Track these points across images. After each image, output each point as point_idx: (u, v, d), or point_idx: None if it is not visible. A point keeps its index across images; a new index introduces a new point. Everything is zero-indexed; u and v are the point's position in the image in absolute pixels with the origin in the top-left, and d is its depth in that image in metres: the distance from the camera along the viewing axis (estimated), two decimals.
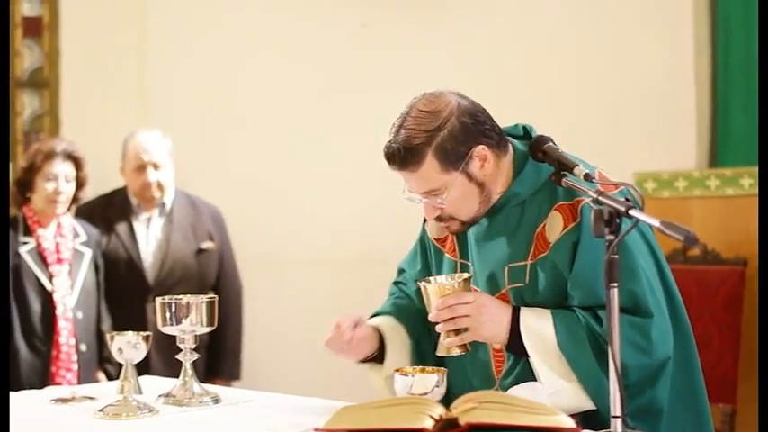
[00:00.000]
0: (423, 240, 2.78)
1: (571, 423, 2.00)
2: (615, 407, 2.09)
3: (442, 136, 2.42)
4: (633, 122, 4.77)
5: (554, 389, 2.40)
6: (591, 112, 4.80)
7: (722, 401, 4.27)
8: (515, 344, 2.44)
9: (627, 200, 2.16)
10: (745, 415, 4.33)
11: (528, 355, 2.43)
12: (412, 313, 2.74)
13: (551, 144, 2.47)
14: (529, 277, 2.49)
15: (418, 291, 2.65)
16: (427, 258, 2.76)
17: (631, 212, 2.12)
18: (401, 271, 2.89)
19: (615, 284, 2.09)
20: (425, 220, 2.74)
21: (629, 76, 4.83)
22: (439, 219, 2.54)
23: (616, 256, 2.09)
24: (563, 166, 2.41)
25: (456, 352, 2.48)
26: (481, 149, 2.45)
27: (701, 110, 4.76)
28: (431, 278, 2.54)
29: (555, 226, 2.45)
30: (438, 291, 2.47)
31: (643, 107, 4.79)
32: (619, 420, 2.09)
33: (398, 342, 2.69)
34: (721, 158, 4.76)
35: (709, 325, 4.34)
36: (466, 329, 2.43)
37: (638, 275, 2.40)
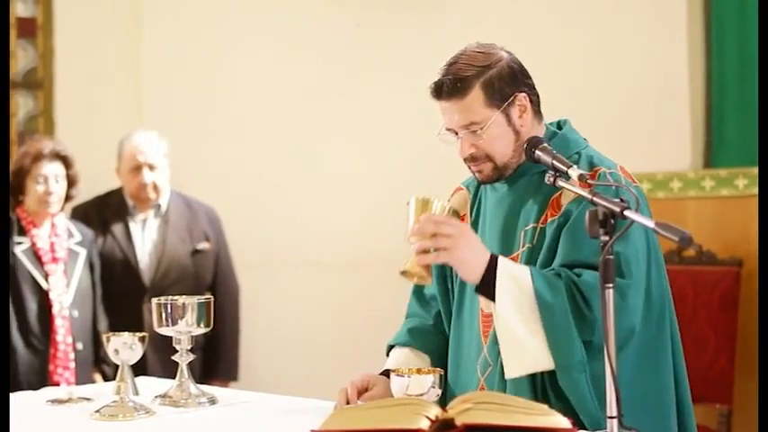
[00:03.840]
0: None
1: (567, 423, 2.01)
2: (611, 407, 2.09)
3: (491, 73, 2.53)
4: (628, 123, 4.78)
5: (513, 345, 2.39)
6: (585, 112, 4.76)
7: (718, 402, 4.28)
8: (487, 283, 2.41)
9: (622, 200, 2.16)
10: (742, 415, 4.33)
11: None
12: (428, 333, 2.77)
13: (546, 145, 2.49)
14: (537, 239, 2.52)
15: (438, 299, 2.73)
16: None
17: (626, 213, 2.12)
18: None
19: (610, 285, 2.09)
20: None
21: (624, 77, 4.84)
22: (473, 159, 2.57)
23: (611, 257, 2.09)
24: (558, 166, 2.42)
25: (415, 276, 2.45)
26: (523, 97, 2.55)
27: (695, 111, 4.77)
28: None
29: (570, 193, 2.45)
30: (425, 207, 2.46)
31: (638, 108, 4.79)
32: (615, 421, 2.09)
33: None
34: (716, 159, 4.77)
35: (704, 325, 4.35)
36: (442, 250, 2.40)
37: (629, 241, 2.39)
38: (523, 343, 2.38)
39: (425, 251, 2.40)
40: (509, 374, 2.43)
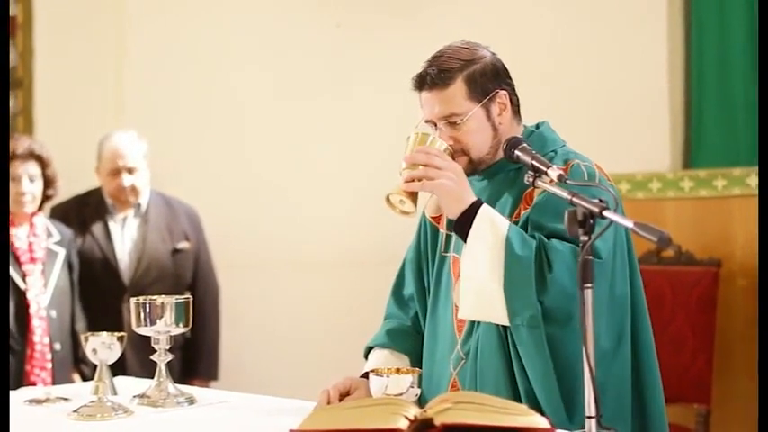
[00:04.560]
0: (419, 228, 2.84)
1: (545, 423, 2.01)
2: (589, 407, 2.10)
3: (474, 68, 2.59)
4: (607, 124, 4.79)
5: (473, 286, 2.45)
6: (564, 113, 4.80)
7: (696, 402, 4.30)
8: (465, 222, 2.47)
9: (601, 200, 2.17)
10: (720, 415, 4.35)
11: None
12: (407, 334, 2.80)
13: (525, 145, 2.52)
14: None
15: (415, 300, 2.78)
16: (421, 240, 2.81)
17: (605, 213, 2.13)
18: (400, 278, 2.89)
19: (589, 285, 2.10)
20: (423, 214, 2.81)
21: (603, 77, 4.85)
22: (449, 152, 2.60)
23: (590, 257, 2.10)
24: (537, 166, 2.43)
25: (398, 204, 2.51)
26: (504, 95, 2.62)
27: (674, 112, 4.78)
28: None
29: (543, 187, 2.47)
30: (423, 141, 2.54)
31: (617, 109, 4.81)
32: (593, 421, 2.10)
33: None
34: (695, 160, 4.78)
35: (683, 326, 4.37)
36: (429, 180, 2.47)
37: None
38: (483, 286, 2.44)
39: (414, 181, 2.48)
40: (462, 314, 2.51)
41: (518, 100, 2.67)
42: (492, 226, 2.45)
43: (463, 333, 2.59)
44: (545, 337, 2.40)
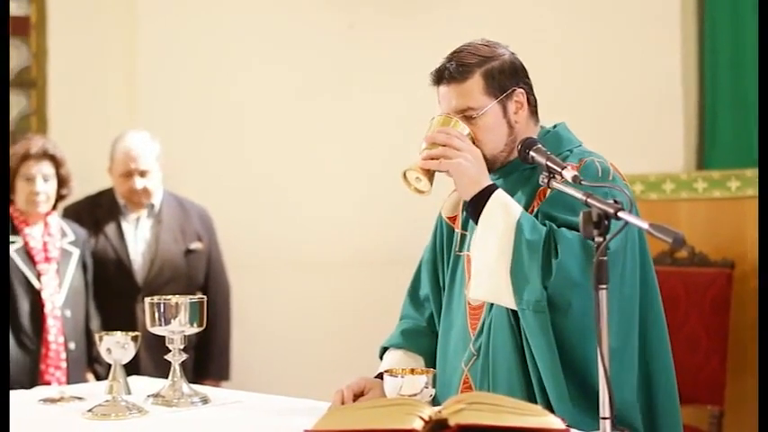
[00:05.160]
0: (435, 229, 2.85)
1: (560, 424, 2.01)
2: (604, 408, 2.09)
3: (493, 64, 2.61)
4: (621, 125, 4.78)
5: (482, 267, 2.47)
6: (577, 114, 4.78)
7: (710, 403, 4.29)
8: (477, 203, 2.49)
9: (616, 201, 2.17)
10: (733, 416, 4.34)
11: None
12: (422, 334, 2.81)
13: (540, 146, 2.51)
14: None
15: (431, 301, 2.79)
16: (437, 241, 2.82)
17: (620, 214, 2.12)
18: (416, 279, 2.90)
19: (604, 286, 2.10)
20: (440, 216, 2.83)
21: (617, 78, 4.84)
22: None
23: (605, 258, 2.10)
24: (552, 167, 2.42)
25: (413, 182, 2.54)
26: (521, 93, 2.63)
27: (688, 112, 4.77)
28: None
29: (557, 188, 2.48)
30: (445, 123, 2.57)
31: (631, 109, 4.80)
32: (608, 422, 2.09)
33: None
34: (708, 161, 4.77)
35: (696, 327, 4.36)
36: (447, 159, 2.50)
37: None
38: (491, 268, 2.45)
39: (432, 159, 2.51)
40: (471, 294, 2.54)
41: (536, 100, 2.68)
42: (505, 210, 2.47)
43: (476, 330, 2.59)
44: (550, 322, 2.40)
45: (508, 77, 2.61)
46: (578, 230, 2.18)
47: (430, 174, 2.54)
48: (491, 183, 2.52)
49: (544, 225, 2.46)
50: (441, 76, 2.62)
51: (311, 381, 4.36)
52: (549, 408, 2.37)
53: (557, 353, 2.40)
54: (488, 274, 2.46)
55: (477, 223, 2.51)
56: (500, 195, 2.50)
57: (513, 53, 2.67)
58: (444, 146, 2.51)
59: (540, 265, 2.39)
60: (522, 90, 2.63)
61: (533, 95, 2.67)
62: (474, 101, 2.59)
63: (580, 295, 2.38)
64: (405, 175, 2.56)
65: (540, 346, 2.42)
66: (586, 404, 2.37)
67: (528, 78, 2.67)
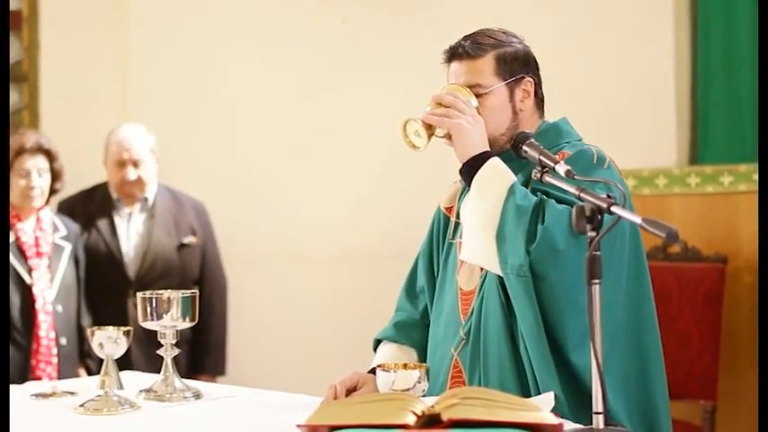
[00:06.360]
0: (432, 222, 2.86)
1: (554, 419, 2.01)
2: (597, 403, 2.09)
3: (506, 49, 2.65)
4: (613, 120, 4.78)
5: (471, 229, 2.49)
6: (571, 109, 4.78)
7: (702, 398, 4.29)
8: (472, 166, 2.51)
9: (609, 196, 2.17)
10: (726, 411, 4.35)
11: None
12: (415, 326, 2.82)
13: (533, 140, 2.51)
14: None
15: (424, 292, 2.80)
16: (433, 232, 2.83)
17: (613, 209, 2.12)
18: (413, 272, 2.90)
19: (597, 281, 2.10)
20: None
21: (610, 73, 4.84)
22: None
23: (598, 253, 2.09)
24: (545, 162, 2.42)
25: (410, 136, 2.57)
26: (529, 83, 2.66)
27: (681, 107, 4.77)
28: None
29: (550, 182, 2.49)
30: (455, 90, 2.59)
31: (623, 105, 4.80)
32: (600, 417, 2.09)
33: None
34: (701, 156, 4.77)
35: (689, 322, 4.36)
36: (448, 118, 2.53)
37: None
38: (479, 230, 2.47)
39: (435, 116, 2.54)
40: (461, 256, 2.57)
41: (543, 95, 2.71)
42: (498, 174, 2.49)
43: (467, 316, 2.60)
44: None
45: (520, 65, 2.65)
46: (571, 207, 2.19)
47: (430, 129, 2.56)
48: (489, 150, 2.54)
49: (535, 194, 2.48)
50: (454, 53, 2.65)
51: (308, 376, 4.36)
52: (537, 389, 2.39)
53: (540, 318, 2.41)
54: (476, 236, 2.49)
55: (469, 186, 2.52)
56: (496, 161, 2.52)
57: (527, 46, 2.71)
58: (449, 108, 2.53)
59: (527, 229, 2.40)
60: (530, 80, 2.66)
61: (542, 90, 2.71)
62: (483, 78, 2.62)
63: (561, 264, 2.38)
64: (405, 126, 2.58)
65: (524, 311, 2.42)
66: (567, 379, 2.39)
67: (538, 71, 2.70)
